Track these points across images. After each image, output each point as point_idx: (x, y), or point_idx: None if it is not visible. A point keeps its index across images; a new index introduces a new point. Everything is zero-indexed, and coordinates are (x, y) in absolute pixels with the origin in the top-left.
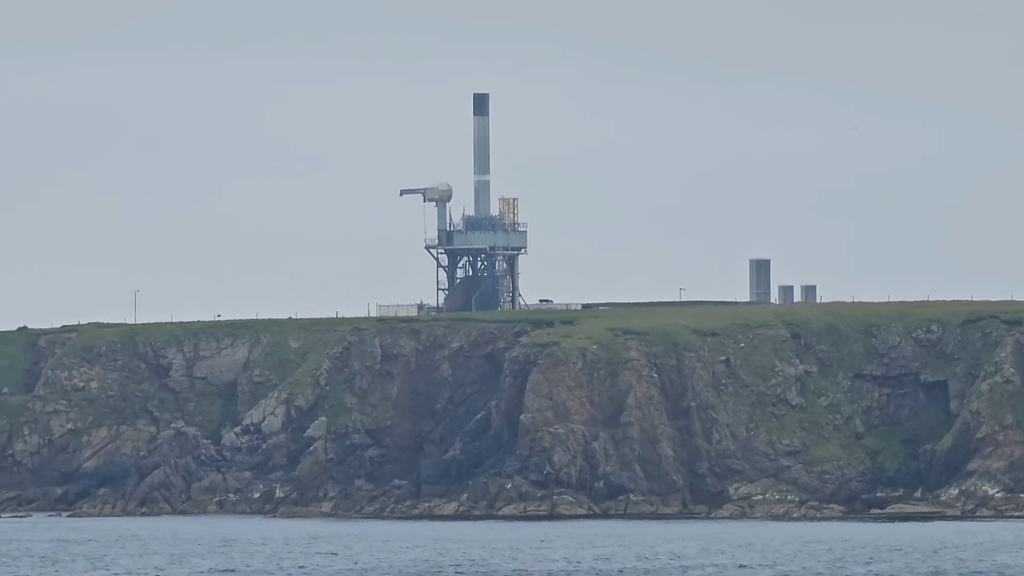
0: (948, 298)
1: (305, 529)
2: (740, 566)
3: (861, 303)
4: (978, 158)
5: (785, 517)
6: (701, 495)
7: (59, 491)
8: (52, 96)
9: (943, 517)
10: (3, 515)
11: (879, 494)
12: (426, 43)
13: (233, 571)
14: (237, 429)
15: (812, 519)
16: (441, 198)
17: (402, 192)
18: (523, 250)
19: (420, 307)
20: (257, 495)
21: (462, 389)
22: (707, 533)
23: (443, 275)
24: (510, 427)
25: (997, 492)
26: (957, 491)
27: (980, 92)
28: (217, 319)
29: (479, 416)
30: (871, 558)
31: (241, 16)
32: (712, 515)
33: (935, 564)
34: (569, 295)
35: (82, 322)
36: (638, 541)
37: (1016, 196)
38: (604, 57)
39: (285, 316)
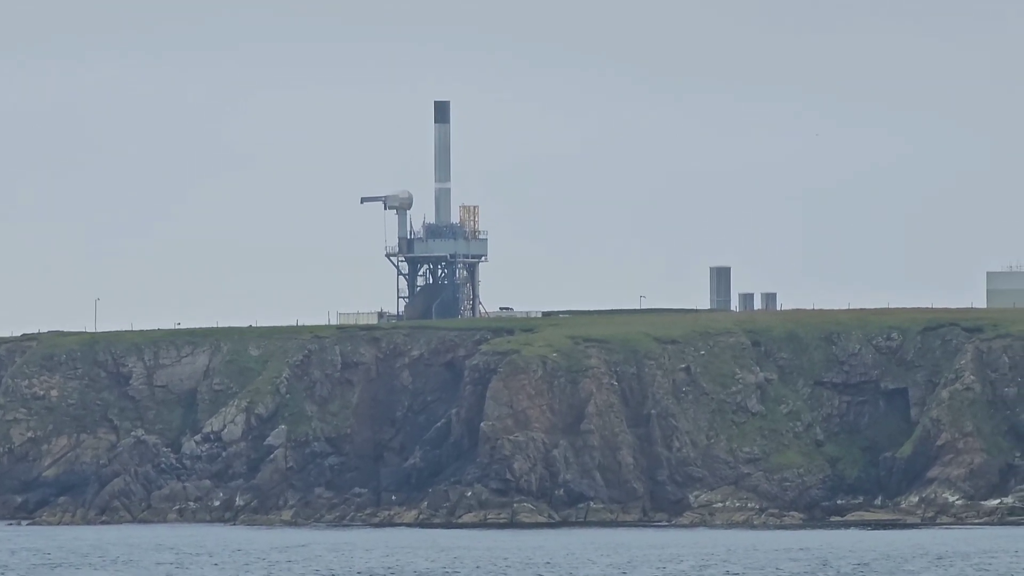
0: (908, 305)
1: (272, 538)
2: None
3: (821, 311)
4: (938, 166)
5: (745, 525)
6: (661, 503)
7: (19, 499)
8: (10, 103)
9: (903, 525)
10: None
11: (839, 501)
12: (386, 51)
13: None
14: (197, 437)
15: (772, 527)
16: (402, 206)
17: (363, 200)
18: (483, 258)
19: (380, 315)
20: (217, 503)
21: (422, 397)
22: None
23: (403, 283)
24: (470, 435)
25: (957, 499)
26: (917, 498)
27: (941, 100)
28: (177, 327)
29: (439, 424)
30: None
31: (201, 25)
32: (672, 523)
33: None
34: (529, 303)
35: (42, 330)
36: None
37: (976, 203)
38: (565, 65)
39: (245, 324)
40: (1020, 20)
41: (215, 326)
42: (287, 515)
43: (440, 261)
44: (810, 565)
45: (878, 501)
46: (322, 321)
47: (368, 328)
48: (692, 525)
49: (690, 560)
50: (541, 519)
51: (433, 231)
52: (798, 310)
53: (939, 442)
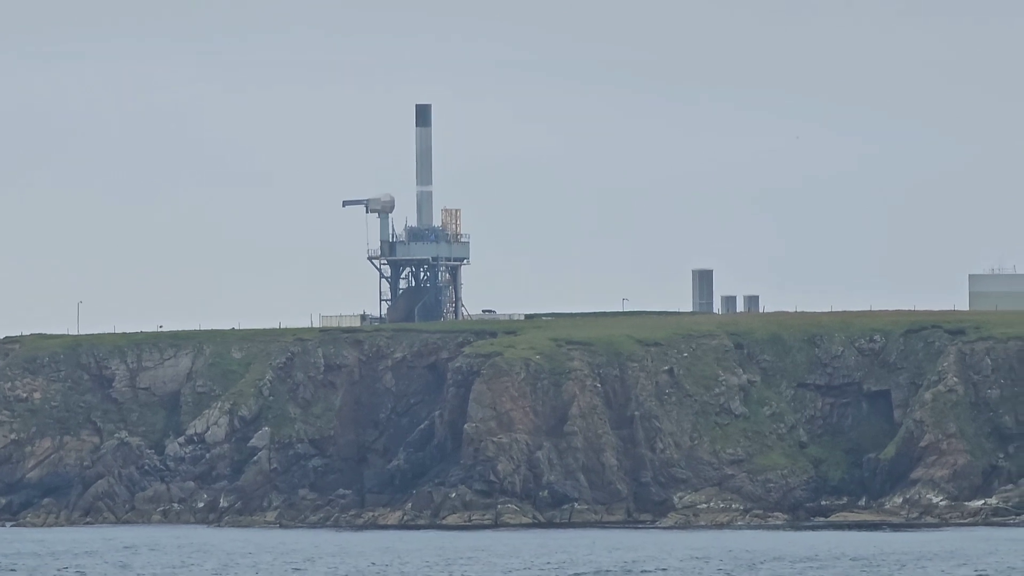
0: (891, 308)
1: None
2: None
3: (804, 313)
4: (921, 168)
5: (730, 526)
6: (645, 504)
7: (3, 501)
8: None
9: (887, 525)
10: None
11: (823, 503)
12: (368, 54)
13: None
14: (181, 439)
15: (757, 527)
16: (384, 209)
17: (344, 203)
18: (466, 261)
19: (363, 318)
20: (201, 505)
21: (405, 399)
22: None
23: (386, 286)
24: (454, 437)
25: (941, 500)
26: (901, 499)
27: (923, 102)
28: (160, 330)
29: (423, 426)
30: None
31: (184, 27)
32: (657, 523)
33: None
34: (512, 306)
35: (25, 333)
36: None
37: (959, 206)
38: (545, 68)
39: (228, 327)
40: (999, 23)
41: (198, 329)
42: (271, 516)
43: (422, 264)
44: None
45: (862, 502)
46: (305, 324)
47: (351, 331)
48: (676, 526)
49: None
50: (525, 520)
51: (415, 234)
52: (781, 312)
53: (922, 443)
